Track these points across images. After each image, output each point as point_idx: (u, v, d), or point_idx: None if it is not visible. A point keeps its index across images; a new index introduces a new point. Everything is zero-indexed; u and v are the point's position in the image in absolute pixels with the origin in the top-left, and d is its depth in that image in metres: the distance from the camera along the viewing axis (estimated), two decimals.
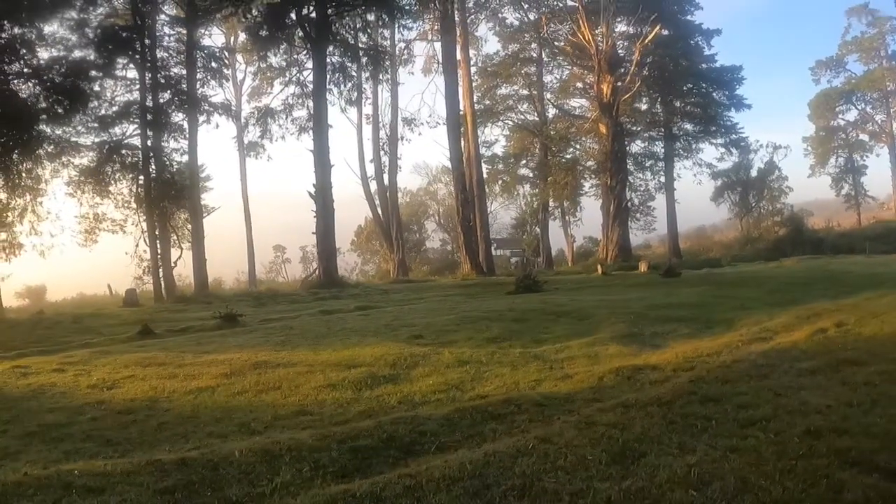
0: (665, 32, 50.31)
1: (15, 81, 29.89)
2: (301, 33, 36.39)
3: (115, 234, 36.67)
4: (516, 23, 55.09)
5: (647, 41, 46.26)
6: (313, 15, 35.45)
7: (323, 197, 34.33)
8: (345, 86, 41.67)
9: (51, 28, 31.31)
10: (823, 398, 6.21)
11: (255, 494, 4.72)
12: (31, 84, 30.30)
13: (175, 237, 36.09)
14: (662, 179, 55.61)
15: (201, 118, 37.84)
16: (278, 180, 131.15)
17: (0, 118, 28.19)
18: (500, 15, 54.66)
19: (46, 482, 5.06)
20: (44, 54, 31.22)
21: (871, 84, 67.63)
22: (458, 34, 44.81)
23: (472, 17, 53.51)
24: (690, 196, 64.42)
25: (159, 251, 34.50)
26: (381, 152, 52.08)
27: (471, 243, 42.30)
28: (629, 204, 51.21)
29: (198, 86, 37.83)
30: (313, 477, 4.98)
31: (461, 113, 45.27)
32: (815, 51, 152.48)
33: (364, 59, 40.47)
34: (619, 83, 45.24)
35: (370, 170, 52.86)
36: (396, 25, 45.10)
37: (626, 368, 8.51)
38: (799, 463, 4.59)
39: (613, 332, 12.20)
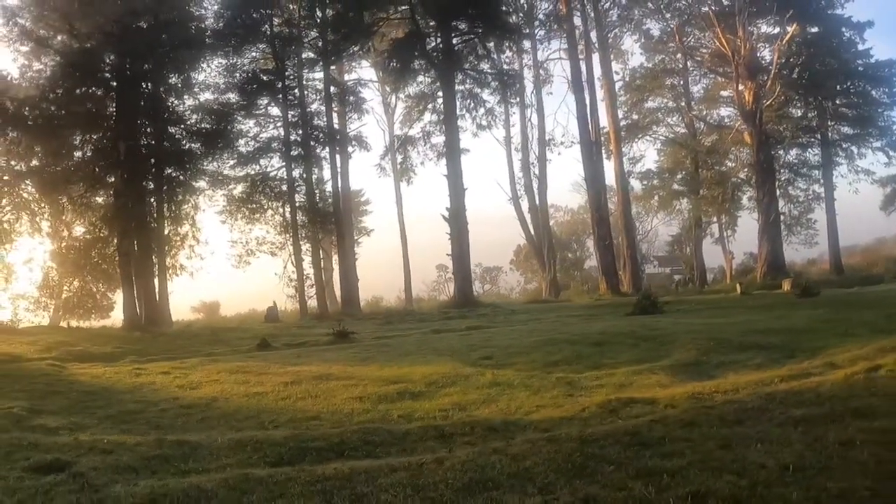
0: (813, 30, 48.62)
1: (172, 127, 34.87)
2: (427, 64, 38.77)
3: (274, 256, 40.33)
4: (658, 34, 54.59)
5: (785, 41, 44.82)
6: (442, 45, 37.64)
7: (457, 220, 36.38)
8: (476, 111, 43.74)
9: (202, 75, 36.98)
10: (769, 456, 5.67)
11: (198, 468, 6.27)
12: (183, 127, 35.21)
13: (325, 258, 39.09)
14: (817, 189, 53.08)
15: (348, 148, 41.32)
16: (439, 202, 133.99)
17: (166, 158, 32.88)
18: (644, 27, 54.21)
19: (83, 444, 7.28)
20: (194, 99, 36.62)
21: None
22: (587, 50, 46.19)
23: (616, 30, 54.10)
24: (863, 207, 60.33)
25: (306, 272, 37.65)
26: (530, 172, 52.97)
27: (607, 262, 42.75)
28: (783, 217, 49.45)
29: (336, 118, 41.11)
30: (250, 462, 6.37)
31: (605, 130, 45.79)
32: None
33: (494, 84, 42.04)
34: (762, 89, 43.77)
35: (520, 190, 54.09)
36: (536, 47, 46.62)
37: (617, 401, 8.67)
38: None
39: (677, 360, 12.57)
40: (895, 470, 5.06)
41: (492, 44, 41.09)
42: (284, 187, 38.81)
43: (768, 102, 44.22)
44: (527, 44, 50.38)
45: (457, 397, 9.95)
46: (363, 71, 51.82)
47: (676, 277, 58.82)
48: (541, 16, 48.89)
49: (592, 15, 48.76)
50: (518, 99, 51.08)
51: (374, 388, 10.61)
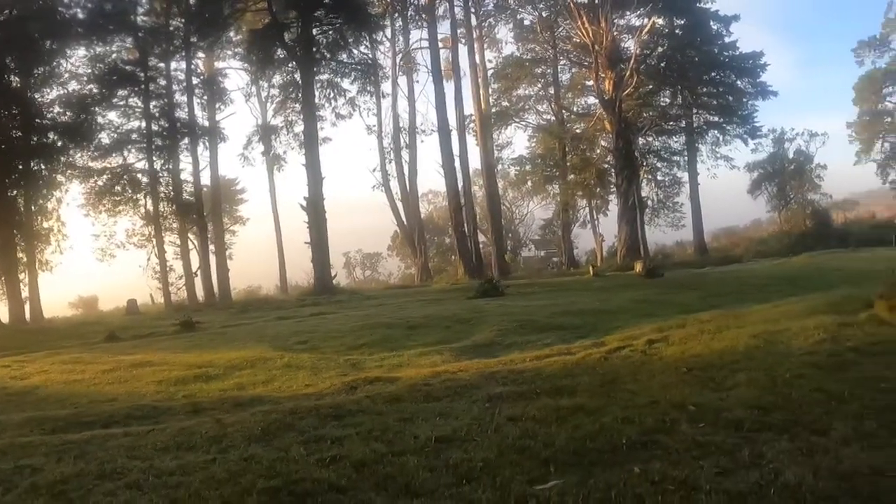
0: (681, 22, 52.04)
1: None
2: (286, 54, 40.28)
3: (142, 248, 41.80)
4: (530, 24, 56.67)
5: (645, 32, 47.63)
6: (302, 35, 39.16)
7: (315, 208, 37.74)
8: (336, 101, 46.10)
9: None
10: (432, 429, 6.53)
11: None
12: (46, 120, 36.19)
13: (199, 249, 40.08)
14: (681, 174, 56.53)
15: (216, 139, 42.40)
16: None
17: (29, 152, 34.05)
18: (518, 16, 56.30)
19: None
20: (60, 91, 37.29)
21: None
22: (454, 39, 48.39)
23: (491, 19, 56.39)
24: (738, 191, 64.56)
25: (171, 264, 38.98)
26: (400, 159, 54.55)
27: (464, 247, 44.69)
28: (651, 201, 52.74)
29: (198, 110, 42.74)
30: (26, 434, 7.87)
31: (472, 116, 47.90)
32: (861, 32, 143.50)
33: (354, 74, 43.77)
34: (622, 79, 45.82)
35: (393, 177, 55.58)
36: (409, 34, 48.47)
37: (363, 380, 9.83)
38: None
39: (474, 341, 14.25)
40: (527, 445, 5.88)
41: (351, 34, 42.39)
42: (147, 179, 39.75)
43: (627, 91, 46.45)
44: (392, 32, 52.44)
45: (245, 379, 11.49)
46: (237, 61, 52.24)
47: (554, 259, 61.45)
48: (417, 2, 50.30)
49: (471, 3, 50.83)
50: (380, 88, 52.87)
51: (179, 373, 12.17)
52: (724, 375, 8.24)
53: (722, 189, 65.01)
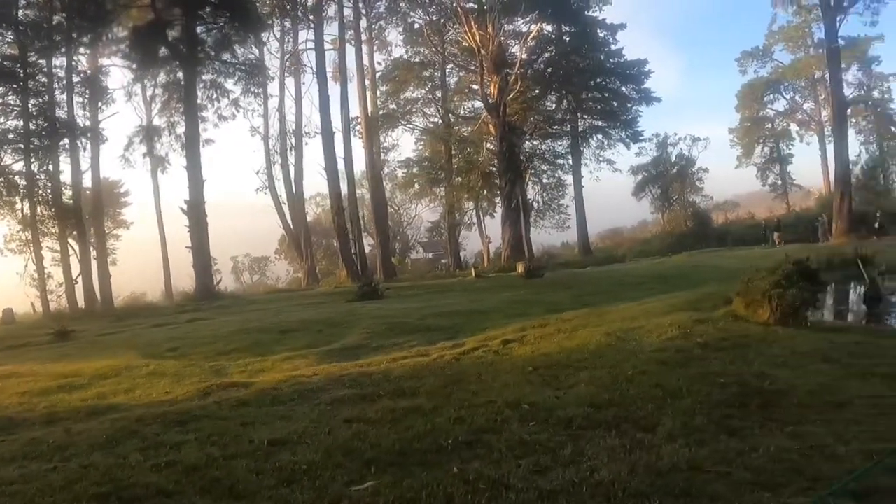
0: (568, 29, 53.44)
1: None
2: (170, 53, 39.26)
3: (20, 253, 40.24)
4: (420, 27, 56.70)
5: (531, 38, 48.56)
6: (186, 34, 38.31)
7: (196, 212, 36.97)
8: (219, 102, 45.96)
9: None
10: (270, 431, 6.88)
11: None
12: None
13: (77, 255, 38.97)
14: (564, 177, 58.01)
15: (98, 140, 41.28)
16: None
17: None
18: (409, 20, 56.03)
19: None
20: None
21: (799, 73, 70.41)
22: (341, 41, 48.23)
23: (383, 21, 56.08)
24: (621, 193, 66.91)
25: (48, 270, 37.96)
26: (287, 161, 53.59)
27: (346, 251, 44.49)
28: (534, 203, 53.60)
29: (79, 109, 41.25)
30: None
31: (358, 118, 48.36)
32: (745, 43, 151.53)
33: (239, 74, 43.51)
34: (507, 83, 46.66)
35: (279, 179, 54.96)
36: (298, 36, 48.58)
37: (217, 386, 9.94)
38: None
39: (343, 344, 14.28)
40: (354, 446, 6.10)
41: (237, 33, 41.78)
42: (25, 181, 38.13)
43: (512, 95, 47.27)
44: (282, 32, 51.81)
45: (108, 388, 11.15)
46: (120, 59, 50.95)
47: (443, 262, 62.20)
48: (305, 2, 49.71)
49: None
50: (267, 89, 52.82)
51: (44, 384, 11.87)
52: (568, 374, 8.60)
53: (610, 191, 67.38)
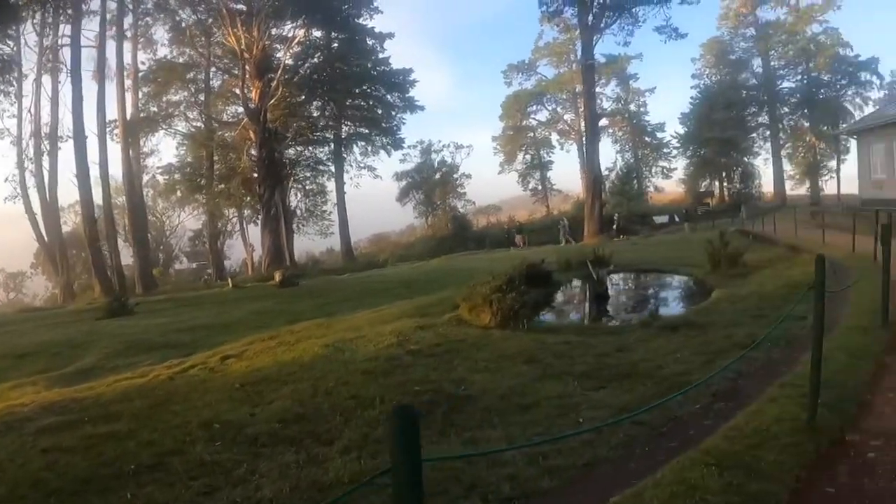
0: (337, 36, 53.94)
1: None
2: None
3: None
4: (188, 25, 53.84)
5: (294, 44, 48.78)
6: None
7: None
8: None
9: None
10: None
11: None
12: None
13: None
14: (326, 183, 58.70)
15: None
16: None
17: None
18: (177, 18, 52.77)
19: None
20: None
21: (561, 86, 74.88)
22: (101, 38, 45.85)
23: (150, 18, 52.98)
24: (390, 199, 67.91)
25: None
26: (41, 166, 49.83)
27: (100, 264, 42.52)
28: (297, 210, 53.66)
29: None
30: None
31: (116, 121, 46.04)
32: (514, 57, 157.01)
33: None
34: (269, 88, 46.00)
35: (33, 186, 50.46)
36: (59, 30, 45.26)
37: None
38: None
39: (78, 367, 13.35)
40: (43, 477, 5.89)
41: None
42: None
43: (274, 101, 46.76)
44: (42, 25, 47.84)
45: None
46: None
47: (209, 272, 60.53)
48: None
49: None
50: (22, 87, 49.45)
51: None
52: (273, 389, 8.53)
53: (378, 197, 68.12)
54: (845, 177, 60.95)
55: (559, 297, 18.50)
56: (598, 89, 71.52)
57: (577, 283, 20.89)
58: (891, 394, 6.71)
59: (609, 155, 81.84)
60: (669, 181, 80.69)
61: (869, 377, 7.26)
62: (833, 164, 65.96)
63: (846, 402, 6.38)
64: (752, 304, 13.11)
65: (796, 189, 71.58)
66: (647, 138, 79.72)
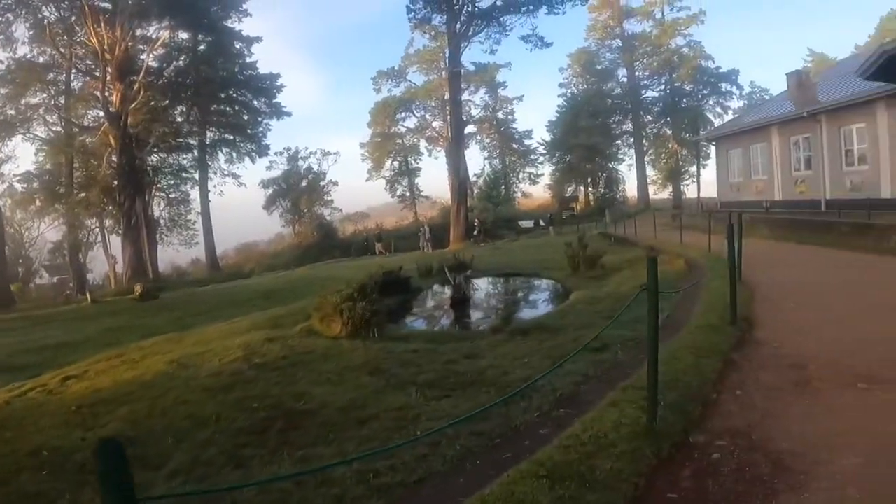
0: (204, 38, 52.64)
1: None
2: None
3: None
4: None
5: (157, 46, 47.18)
6: None
7: None
8: None
9: None
10: None
11: None
12: None
13: None
14: (190, 191, 57.31)
15: None
16: None
17: None
18: (39, 15, 48.32)
19: None
20: None
21: (430, 93, 74.83)
22: None
23: (11, 14, 48.27)
24: (255, 207, 66.91)
25: None
26: None
27: None
28: (161, 220, 52.21)
29: None
30: None
31: None
32: (385, 63, 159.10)
33: None
34: (130, 91, 44.25)
35: None
36: None
37: None
38: None
39: None
40: None
41: None
42: None
43: (136, 105, 45.00)
44: None
45: None
46: None
47: (72, 285, 58.15)
48: None
49: None
50: None
51: None
52: (109, 410, 8.23)
53: (248, 205, 67.26)
54: (705, 181, 64.25)
55: (417, 303, 18.68)
56: (467, 97, 73.15)
57: (437, 289, 21.01)
58: (738, 391, 6.81)
59: (478, 161, 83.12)
60: (537, 186, 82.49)
61: (716, 375, 7.31)
62: (694, 168, 69.04)
63: (691, 402, 6.35)
64: (607, 305, 13.23)
65: (659, 193, 74.82)
66: (514, 145, 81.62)
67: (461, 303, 17.59)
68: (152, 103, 48.85)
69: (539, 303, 18.36)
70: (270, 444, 6.47)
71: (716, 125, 58.76)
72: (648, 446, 5.24)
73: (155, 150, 52.19)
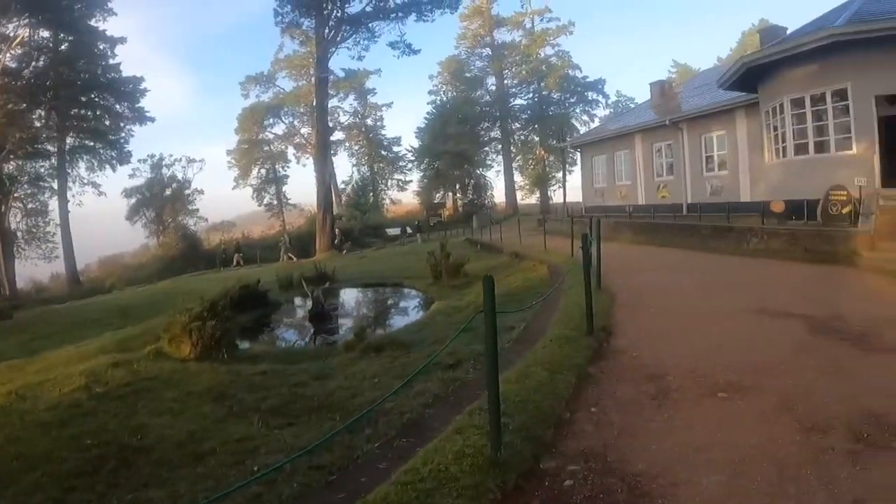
0: (65, 37, 50.32)
1: None
2: None
3: None
4: None
5: (15, 44, 45.15)
6: None
7: None
8: None
9: None
10: None
11: None
12: None
13: None
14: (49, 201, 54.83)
15: None
16: None
17: None
18: None
19: None
20: None
21: (299, 99, 74.03)
22: None
23: None
24: (119, 217, 64.56)
25: None
26: None
27: None
28: (18, 232, 49.87)
29: None
30: None
31: None
32: (256, 68, 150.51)
33: None
34: None
35: None
36: None
37: None
38: None
39: None
40: None
41: None
42: None
43: None
44: None
45: None
46: None
47: None
48: None
49: None
50: None
51: None
52: None
53: (112, 215, 64.87)
54: (572, 187, 65.98)
55: (276, 318, 18.46)
56: (336, 103, 73.45)
57: (297, 302, 20.82)
58: (593, 408, 6.59)
59: (346, 169, 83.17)
60: (405, 193, 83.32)
61: (570, 392, 7.01)
62: (560, 175, 70.81)
63: (542, 423, 5.98)
64: (467, 316, 12.75)
65: (527, 199, 76.48)
66: (383, 152, 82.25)
67: (319, 317, 17.44)
68: (9, 106, 46.63)
69: (399, 314, 18.54)
70: (100, 487, 6.11)
71: (582, 132, 60.44)
72: (493, 479, 4.82)
73: (11, 156, 49.76)
